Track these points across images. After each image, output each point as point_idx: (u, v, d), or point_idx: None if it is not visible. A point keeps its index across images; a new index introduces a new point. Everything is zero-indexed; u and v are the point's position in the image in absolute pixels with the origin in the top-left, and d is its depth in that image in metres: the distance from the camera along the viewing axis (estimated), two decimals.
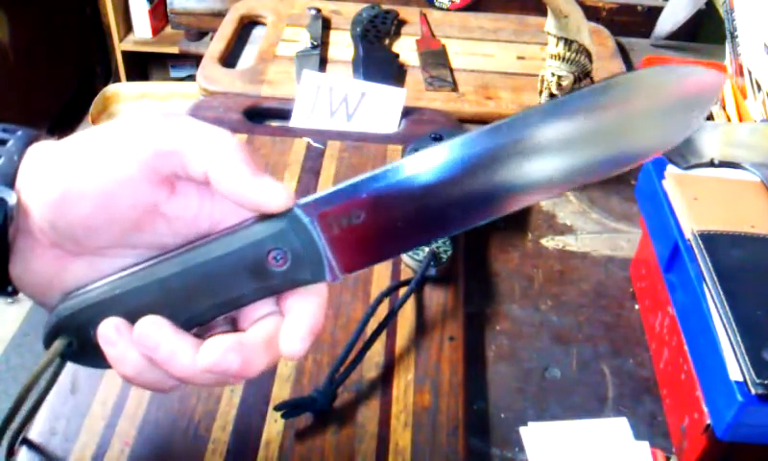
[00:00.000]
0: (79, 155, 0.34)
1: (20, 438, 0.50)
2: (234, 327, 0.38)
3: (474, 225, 0.35)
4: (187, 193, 0.36)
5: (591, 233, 0.75)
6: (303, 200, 0.35)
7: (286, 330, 0.35)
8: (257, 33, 1.11)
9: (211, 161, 0.34)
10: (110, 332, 0.35)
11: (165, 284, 0.35)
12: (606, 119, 0.34)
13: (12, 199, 0.34)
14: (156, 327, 0.34)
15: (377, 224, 0.35)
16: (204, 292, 0.35)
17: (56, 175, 0.34)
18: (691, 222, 0.54)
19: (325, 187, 0.78)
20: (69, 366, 0.55)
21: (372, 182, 0.35)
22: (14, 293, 0.37)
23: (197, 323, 0.37)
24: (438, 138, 0.77)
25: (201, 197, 0.36)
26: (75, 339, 0.36)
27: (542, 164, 0.34)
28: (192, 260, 0.35)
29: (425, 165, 0.34)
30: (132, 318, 0.35)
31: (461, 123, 0.88)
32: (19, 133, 0.36)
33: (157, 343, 0.34)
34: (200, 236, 0.36)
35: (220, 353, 0.34)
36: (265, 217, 0.35)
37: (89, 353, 0.36)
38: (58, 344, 0.36)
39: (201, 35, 2.12)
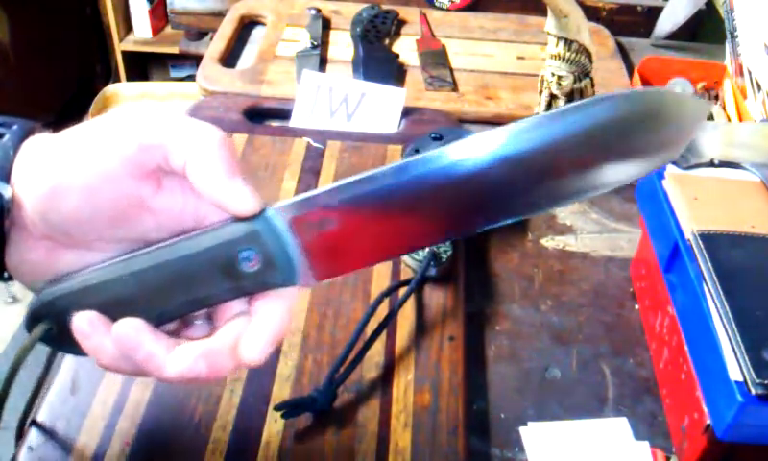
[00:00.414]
0: (67, 149, 0.35)
1: (28, 421, 0.51)
2: (211, 321, 0.38)
3: (449, 239, 0.36)
4: (173, 189, 0.36)
5: (591, 233, 0.75)
6: (278, 204, 0.35)
7: (248, 337, 0.36)
8: (257, 33, 1.11)
9: (190, 156, 0.35)
10: (84, 325, 0.36)
11: (140, 278, 0.36)
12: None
13: (7, 192, 0.34)
14: (134, 331, 0.35)
15: (350, 232, 0.35)
16: (177, 288, 0.36)
17: (46, 170, 0.35)
18: (691, 222, 0.54)
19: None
20: (69, 366, 0.55)
21: (346, 190, 0.35)
22: (10, 278, 0.38)
23: (171, 317, 0.37)
24: (438, 138, 0.77)
25: (185, 193, 0.36)
26: (54, 325, 0.37)
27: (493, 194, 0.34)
28: (166, 256, 0.36)
29: (400, 177, 0.34)
30: (108, 308, 0.36)
31: (461, 123, 0.88)
32: (15, 127, 0.36)
33: (135, 346, 0.35)
34: (184, 232, 0.37)
35: (189, 362, 0.35)
36: (241, 218, 0.36)
37: (67, 340, 0.37)
38: (38, 328, 0.37)
39: (201, 35, 2.11)
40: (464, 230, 0.36)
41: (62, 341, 0.37)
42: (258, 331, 0.36)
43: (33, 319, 0.37)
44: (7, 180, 0.35)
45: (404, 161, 0.34)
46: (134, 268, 0.36)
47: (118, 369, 0.37)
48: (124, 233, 0.36)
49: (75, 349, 0.37)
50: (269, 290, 0.36)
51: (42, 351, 0.44)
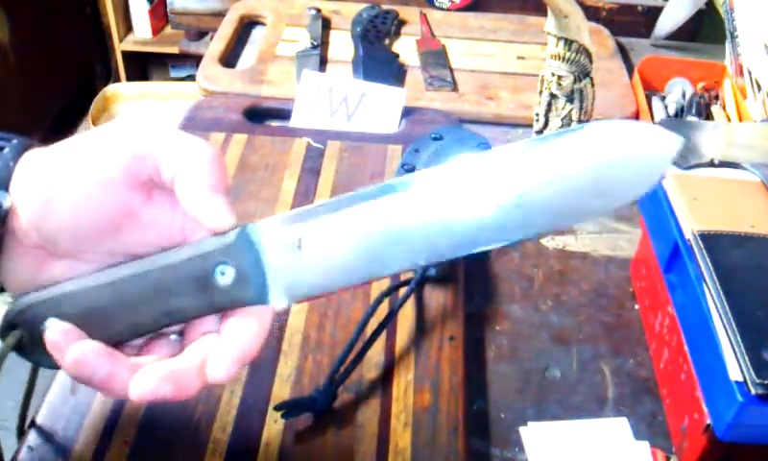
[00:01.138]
0: (63, 158, 0.36)
1: (27, 422, 0.51)
2: (182, 338, 0.38)
3: (415, 267, 0.36)
4: (162, 203, 0.37)
5: (591, 233, 0.75)
6: (259, 221, 0.36)
7: (215, 354, 0.36)
8: (257, 33, 1.11)
9: (179, 169, 0.35)
10: (56, 336, 0.36)
11: (117, 288, 0.36)
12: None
13: (7, 202, 0.35)
14: (92, 354, 0.35)
15: (325, 254, 0.35)
16: (152, 300, 0.36)
17: (41, 178, 0.35)
18: (691, 222, 0.54)
19: (325, 188, 0.78)
20: None
21: (322, 211, 0.35)
22: (1, 289, 0.38)
23: (146, 330, 0.37)
24: (438, 138, 0.77)
25: (174, 209, 0.37)
26: (28, 334, 0.37)
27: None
28: (144, 267, 0.36)
29: (375, 206, 0.35)
30: (83, 319, 0.36)
31: (461, 123, 0.88)
32: (15, 141, 0.37)
33: (92, 369, 0.35)
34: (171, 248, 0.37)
35: (153, 384, 0.35)
36: (220, 234, 0.36)
37: (40, 351, 0.37)
38: (11, 337, 0.36)
39: (201, 35, 2.11)
40: (433, 258, 0.36)
41: (35, 351, 0.37)
42: (225, 350, 0.36)
43: (6, 327, 0.37)
44: (6, 190, 0.35)
45: (382, 184, 0.35)
46: (111, 278, 0.36)
47: (91, 385, 0.36)
48: (112, 246, 0.37)
49: (48, 360, 0.37)
50: (241, 307, 0.36)
51: None
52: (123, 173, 0.35)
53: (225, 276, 0.35)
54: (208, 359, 0.36)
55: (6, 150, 0.36)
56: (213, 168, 0.36)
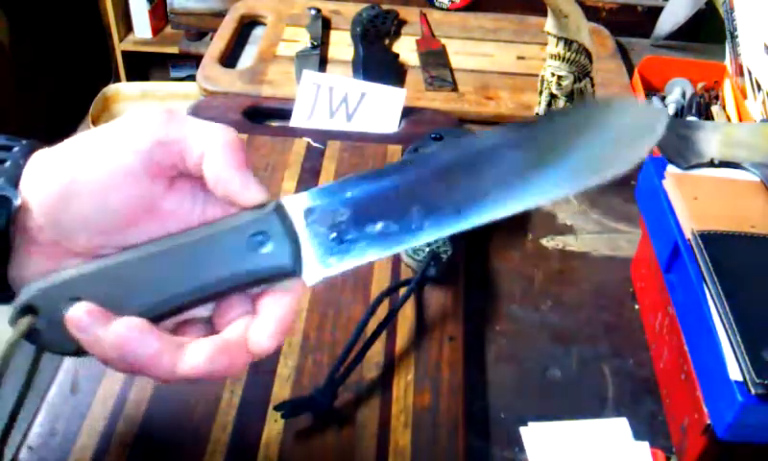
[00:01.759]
0: (80, 150, 0.35)
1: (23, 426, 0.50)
2: (210, 326, 0.38)
3: (443, 235, 0.37)
4: (182, 191, 0.37)
5: (591, 233, 0.75)
6: (291, 196, 0.37)
7: (256, 327, 0.36)
8: (257, 33, 1.11)
9: (207, 151, 0.35)
10: (81, 316, 0.34)
11: (147, 263, 0.35)
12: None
13: (17, 199, 0.34)
14: (137, 331, 0.34)
15: (360, 224, 0.36)
16: (185, 273, 0.35)
17: (58, 171, 0.35)
18: (691, 222, 0.54)
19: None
20: (69, 366, 0.55)
21: (352, 183, 0.36)
22: (9, 300, 0.36)
23: (176, 309, 0.36)
24: (438, 138, 0.77)
25: (194, 197, 0.37)
26: (44, 319, 0.35)
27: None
28: (175, 241, 0.35)
29: (403, 174, 0.36)
30: (108, 298, 0.34)
31: (461, 123, 0.88)
32: (24, 141, 0.37)
33: (138, 346, 0.34)
34: None
35: (207, 357, 0.34)
36: (252, 209, 0.36)
37: (57, 337, 0.35)
38: (23, 322, 0.34)
39: (201, 35, 2.11)
40: (458, 225, 0.37)
41: (52, 338, 0.35)
42: (267, 321, 0.36)
43: (19, 312, 0.35)
44: (16, 187, 0.35)
45: (407, 157, 0.36)
46: (141, 253, 0.35)
47: (119, 366, 0.35)
48: (132, 238, 0.36)
49: (69, 346, 0.35)
50: (276, 280, 0.36)
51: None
52: (146, 160, 0.35)
53: (262, 246, 0.35)
54: (250, 334, 0.35)
55: (15, 149, 0.36)
56: (238, 147, 0.36)
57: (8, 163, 0.36)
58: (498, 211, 0.36)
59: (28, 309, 0.35)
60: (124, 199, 0.35)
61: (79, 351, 0.35)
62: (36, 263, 0.36)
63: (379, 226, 0.36)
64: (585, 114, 0.39)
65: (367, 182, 0.37)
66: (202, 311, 0.38)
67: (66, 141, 0.36)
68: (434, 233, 0.37)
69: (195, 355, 0.34)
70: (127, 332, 0.34)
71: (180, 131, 0.36)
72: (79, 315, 0.34)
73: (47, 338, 0.35)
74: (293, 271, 0.36)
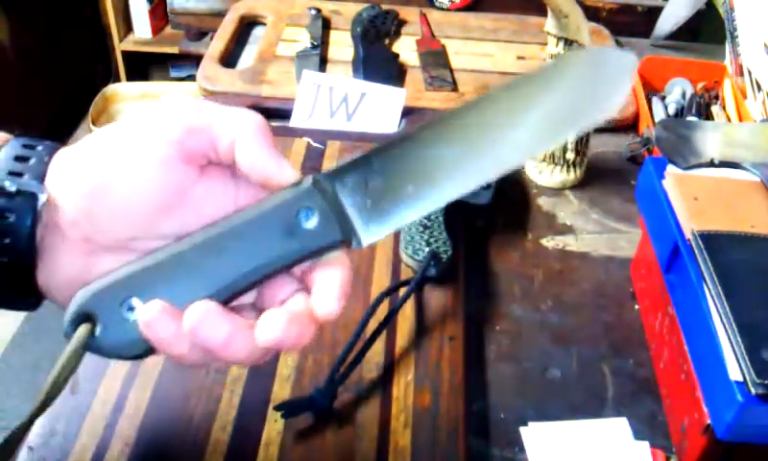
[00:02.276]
0: (110, 143, 0.36)
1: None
2: (257, 311, 0.37)
3: (471, 189, 0.38)
4: (213, 178, 0.37)
5: (591, 233, 0.75)
6: (323, 172, 0.37)
7: (319, 293, 0.36)
8: (257, 33, 1.11)
9: (238, 135, 0.36)
10: (154, 315, 0.33)
11: (200, 251, 0.35)
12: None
13: (43, 194, 0.34)
14: (209, 315, 0.33)
15: (392, 188, 0.37)
16: (238, 256, 0.35)
17: (89, 164, 0.35)
18: (691, 222, 0.54)
19: None
20: None
21: (382, 149, 0.38)
22: (37, 305, 0.36)
23: (232, 294, 0.36)
24: None
25: (225, 185, 0.37)
26: (101, 323, 0.34)
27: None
28: (225, 226, 0.36)
29: (431, 134, 0.38)
30: (165, 296, 0.34)
31: None
32: (47, 141, 0.37)
33: (213, 331, 0.33)
34: None
35: (282, 327, 0.34)
36: (290, 187, 0.37)
37: (120, 340, 0.34)
38: (82, 330, 0.33)
39: (201, 35, 2.12)
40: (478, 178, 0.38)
41: (113, 343, 0.34)
42: (329, 287, 0.36)
43: (75, 321, 0.34)
44: (42, 183, 0.35)
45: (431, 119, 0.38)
46: (194, 241, 0.35)
47: (192, 358, 0.34)
48: (166, 229, 0.36)
49: (132, 349, 0.34)
50: (327, 251, 0.37)
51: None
52: (178, 149, 0.35)
53: (309, 219, 0.36)
54: (314, 302, 0.36)
55: (39, 147, 0.36)
56: (267, 130, 0.37)
57: (32, 161, 0.35)
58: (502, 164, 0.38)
59: (84, 317, 0.34)
60: (158, 188, 0.35)
61: (145, 353, 0.35)
62: (70, 261, 0.35)
63: (410, 188, 0.37)
64: (556, 68, 0.40)
65: (388, 150, 0.38)
66: (247, 297, 0.38)
67: (90, 136, 0.36)
68: (461, 187, 0.38)
69: (268, 329, 0.34)
70: (199, 320, 0.33)
71: (209, 118, 0.36)
72: (153, 315, 0.33)
73: (108, 344, 0.34)
74: (342, 241, 0.37)
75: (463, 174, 0.38)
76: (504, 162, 0.38)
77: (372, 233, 0.37)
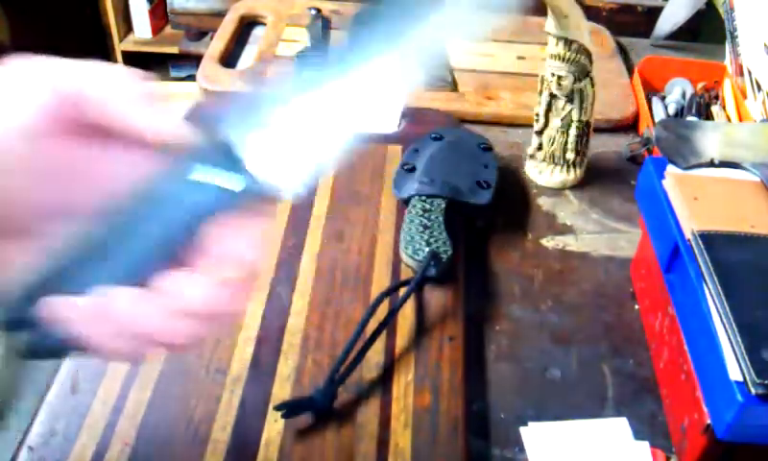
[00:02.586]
0: None
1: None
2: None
3: None
4: (115, 151, 0.33)
5: (591, 233, 0.75)
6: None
7: (235, 245, 0.32)
8: (257, 33, 1.11)
9: (108, 94, 0.32)
10: (70, 312, 0.31)
11: (103, 237, 0.32)
12: None
13: None
14: (129, 301, 0.31)
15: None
16: (144, 232, 0.32)
17: None
18: (691, 222, 0.54)
19: (325, 188, 0.78)
20: (69, 365, 0.55)
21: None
22: None
23: (145, 274, 0.33)
24: (438, 138, 0.77)
25: (131, 153, 0.33)
26: (23, 329, 0.32)
27: None
28: (123, 205, 0.32)
29: None
30: (80, 286, 0.32)
31: (461, 123, 0.88)
32: None
33: (136, 317, 0.31)
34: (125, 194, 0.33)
35: (210, 288, 0.31)
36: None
37: (44, 341, 0.32)
38: (22, 338, 0.32)
39: (201, 35, 2.12)
40: None
41: (38, 346, 0.32)
42: (241, 237, 0.32)
43: (11, 327, 0.32)
44: None
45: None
46: (93, 228, 0.32)
47: (124, 349, 0.32)
48: (67, 207, 0.32)
49: (60, 349, 0.33)
50: (231, 206, 0.33)
51: None
52: (45, 115, 0.30)
53: (207, 174, 0.33)
54: (228, 253, 0.32)
55: None
56: (147, 88, 0.33)
57: None
58: None
59: (19, 323, 0.32)
60: (32, 165, 0.31)
61: (70, 350, 0.33)
62: None
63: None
64: None
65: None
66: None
67: None
68: None
69: (193, 291, 0.31)
70: (126, 306, 0.31)
71: (78, 77, 0.32)
72: (66, 311, 0.31)
73: (33, 348, 0.33)
74: (247, 189, 0.33)
75: None
76: None
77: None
